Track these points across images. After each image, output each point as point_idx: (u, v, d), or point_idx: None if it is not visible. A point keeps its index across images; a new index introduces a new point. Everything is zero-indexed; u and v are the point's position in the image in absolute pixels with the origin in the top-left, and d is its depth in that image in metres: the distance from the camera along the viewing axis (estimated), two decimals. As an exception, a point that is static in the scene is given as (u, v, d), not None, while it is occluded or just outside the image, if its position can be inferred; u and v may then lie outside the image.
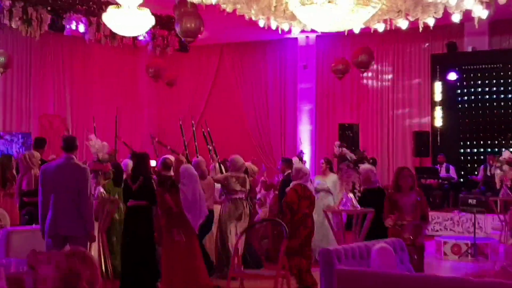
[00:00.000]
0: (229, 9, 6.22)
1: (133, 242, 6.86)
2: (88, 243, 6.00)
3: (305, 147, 14.28)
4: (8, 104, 13.88)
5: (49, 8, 10.33)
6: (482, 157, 13.23)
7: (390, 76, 14.74)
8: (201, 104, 16.23)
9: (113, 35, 10.97)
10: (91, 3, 10.97)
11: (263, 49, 16.11)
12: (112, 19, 7.86)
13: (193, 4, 7.43)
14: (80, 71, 15.30)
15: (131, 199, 6.91)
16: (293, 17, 6.40)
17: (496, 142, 13.32)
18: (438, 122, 13.72)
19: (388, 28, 6.40)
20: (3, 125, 13.87)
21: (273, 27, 6.71)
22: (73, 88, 15.11)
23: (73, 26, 10.94)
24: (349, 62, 12.82)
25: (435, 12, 5.83)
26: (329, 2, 5.34)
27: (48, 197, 5.80)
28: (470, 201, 10.13)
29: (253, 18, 6.45)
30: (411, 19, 6.09)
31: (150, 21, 8.42)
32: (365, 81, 14.78)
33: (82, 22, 10.96)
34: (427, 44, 14.20)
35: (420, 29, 6.26)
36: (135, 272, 6.65)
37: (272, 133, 15.98)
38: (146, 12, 8.18)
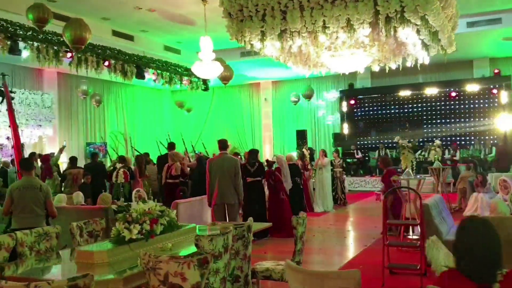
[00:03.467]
0: (275, 58, 8.27)
1: (253, 201, 8.02)
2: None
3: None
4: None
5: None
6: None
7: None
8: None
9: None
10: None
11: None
12: (197, 68, 10.20)
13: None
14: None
15: (248, 177, 8.17)
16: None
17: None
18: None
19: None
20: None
21: (306, 72, 9.10)
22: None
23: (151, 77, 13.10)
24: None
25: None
26: (351, 54, 7.81)
27: (214, 179, 6.91)
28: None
29: (291, 65, 8.75)
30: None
31: (220, 69, 10.48)
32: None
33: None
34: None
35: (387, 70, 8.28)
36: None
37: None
38: (217, 63, 10.27)
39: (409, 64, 8.99)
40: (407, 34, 7.67)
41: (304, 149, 11.95)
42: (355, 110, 18.74)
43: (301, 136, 17.55)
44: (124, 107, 19.05)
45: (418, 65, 8.53)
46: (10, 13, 9.76)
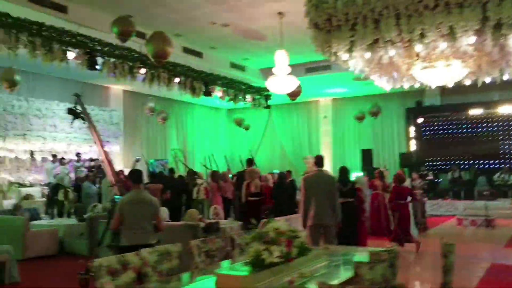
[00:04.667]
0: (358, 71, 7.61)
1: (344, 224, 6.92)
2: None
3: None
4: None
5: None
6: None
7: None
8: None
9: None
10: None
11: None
12: (272, 83, 10.25)
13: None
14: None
15: (342, 198, 7.20)
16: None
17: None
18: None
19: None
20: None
21: (389, 86, 8.35)
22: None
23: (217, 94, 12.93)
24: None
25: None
26: (447, 66, 7.09)
27: (310, 198, 6.34)
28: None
29: (375, 78, 8.15)
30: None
31: (296, 83, 10.36)
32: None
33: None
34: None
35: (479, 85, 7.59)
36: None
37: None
38: (293, 77, 10.18)
39: (506, 77, 8.27)
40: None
41: (383, 169, 11.26)
42: (423, 129, 17.94)
43: (367, 155, 16.88)
44: (184, 125, 18.98)
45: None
46: (87, 28, 9.72)
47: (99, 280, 3.27)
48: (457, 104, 16.80)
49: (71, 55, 9.43)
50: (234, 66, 14.53)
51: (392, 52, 7.70)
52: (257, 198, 8.32)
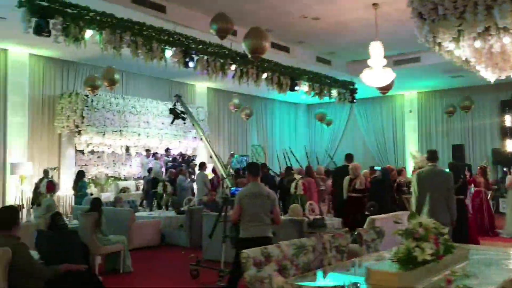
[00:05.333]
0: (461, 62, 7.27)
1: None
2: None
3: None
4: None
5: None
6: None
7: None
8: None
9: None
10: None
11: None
12: (367, 76, 9.80)
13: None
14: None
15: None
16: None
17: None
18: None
19: None
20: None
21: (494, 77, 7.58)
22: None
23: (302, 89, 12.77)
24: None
25: None
26: None
27: (424, 194, 6.06)
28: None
29: (480, 68, 7.42)
30: None
31: (392, 75, 9.93)
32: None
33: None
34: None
35: None
36: None
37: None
38: (389, 70, 9.83)
39: None
40: None
41: (485, 164, 10.60)
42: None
43: (458, 151, 16.04)
44: (264, 121, 19.10)
45: None
46: (183, 27, 9.97)
47: (247, 272, 3.27)
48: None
49: (168, 53, 9.68)
50: (320, 60, 14.35)
51: (506, 39, 7.17)
52: (360, 194, 8.09)
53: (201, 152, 16.01)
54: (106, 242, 6.75)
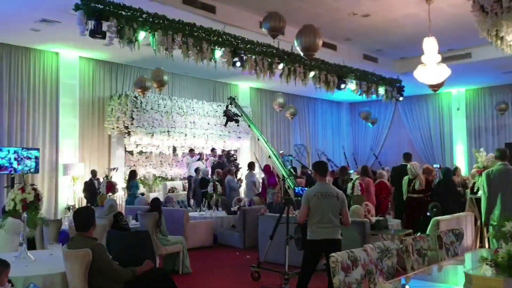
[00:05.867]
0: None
1: None
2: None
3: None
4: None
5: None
6: None
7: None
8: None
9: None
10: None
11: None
12: (420, 74, 9.55)
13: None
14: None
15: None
16: None
17: None
18: None
19: None
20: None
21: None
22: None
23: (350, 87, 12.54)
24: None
25: None
26: None
27: (495, 194, 5.88)
28: None
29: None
30: None
31: (447, 72, 9.54)
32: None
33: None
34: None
35: None
36: None
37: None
38: (444, 66, 9.47)
39: None
40: None
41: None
42: None
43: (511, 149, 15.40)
44: (306, 120, 18.97)
45: None
46: (232, 27, 9.94)
47: (336, 277, 3.16)
48: None
49: (218, 54, 9.67)
50: (366, 57, 14.07)
51: None
52: (420, 195, 7.85)
53: (245, 151, 16.01)
54: (166, 243, 6.77)
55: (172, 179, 14.22)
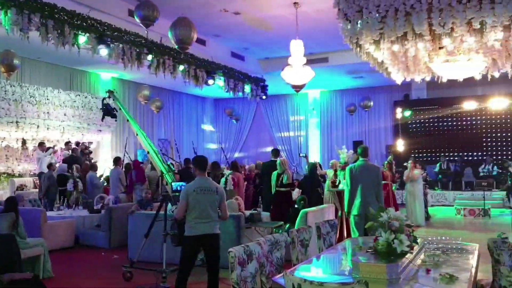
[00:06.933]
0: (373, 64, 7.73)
1: None
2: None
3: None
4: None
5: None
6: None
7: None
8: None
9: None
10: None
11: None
12: (287, 74, 10.13)
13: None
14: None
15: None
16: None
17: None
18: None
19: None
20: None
21: (401, 79, 8.25)
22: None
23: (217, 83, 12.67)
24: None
25: None
26: (468, 60, 7.21)
27: (356, 187, 6.37)
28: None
29: (393, 72, 8.03)
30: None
31: (312, 74, 10.17)
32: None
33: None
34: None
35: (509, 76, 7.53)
36: None
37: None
38: (308, 68, 10.11)
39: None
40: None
41: (390, 160, 11.51)
42: (409, 121, 18.23)
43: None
44: (171, 114, 18.70)
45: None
46: (98, 12, 9.37)
47: (234, 272, 3.19)
48: (443, 98, 17.30)
49: (82, 39, 9.04)
50: (234, 55, 14.39)
51: (420, 45, 7.84)
52: (288, 188, 8.30)
53: (106, 145, 15.20)
54: (25, 246, 6.08)
55: (20, 176, 12.81)
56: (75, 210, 9.53)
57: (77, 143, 13.45)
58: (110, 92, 7.54)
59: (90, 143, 14.15)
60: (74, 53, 9.15)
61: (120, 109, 7.47)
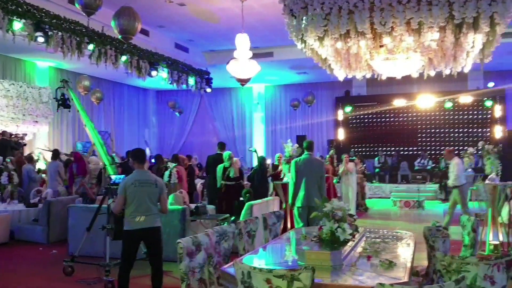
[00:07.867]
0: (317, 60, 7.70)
1: None
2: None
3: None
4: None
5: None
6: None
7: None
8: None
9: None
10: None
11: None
12: (232, 68, 9.99)
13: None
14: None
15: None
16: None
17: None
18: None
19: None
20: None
21: (343, 76, 8.13)
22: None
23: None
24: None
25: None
26: (407, 58, 7.42)
27: (300, 180, 6.58)
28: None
29: (335, 69, 7.92)
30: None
31: (257, 68, 10.17)
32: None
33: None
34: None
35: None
36: None
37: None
38: (254, 62, 10.07)
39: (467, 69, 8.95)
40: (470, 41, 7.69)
41: (332, 154, 11.89)
42: (350, 117, 18.81)
43: (303, 140, 17.57)
44: (112, 106, 18.22)
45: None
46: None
47: (182, 263, 3.22)
48: (381, 95, 18.03)
49: (17, 25, 8.64)
50: (178, 46, 14.24)
51: (362, 43, 8.13)
52: (234, 182, 8.36)
53: (43, 137, 14.58)
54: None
55: None
56: (9, 204, 9.08)
57: (3, 132, 12.69)
58: (65, 82, 7.30)
59: (25, 134, 13.49)
60: (8, 40, 8.68)
61: (72, 99, 7.21)
